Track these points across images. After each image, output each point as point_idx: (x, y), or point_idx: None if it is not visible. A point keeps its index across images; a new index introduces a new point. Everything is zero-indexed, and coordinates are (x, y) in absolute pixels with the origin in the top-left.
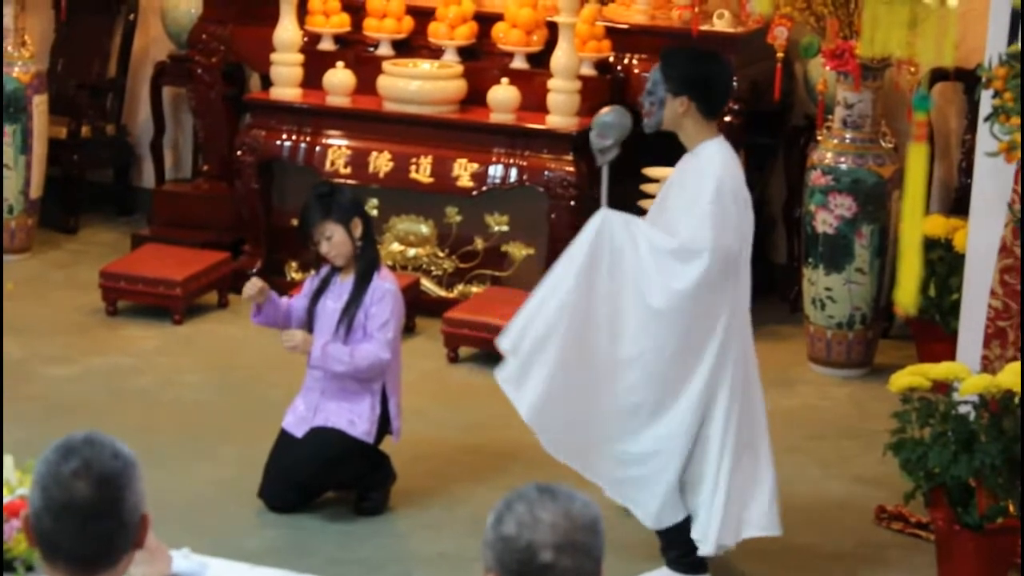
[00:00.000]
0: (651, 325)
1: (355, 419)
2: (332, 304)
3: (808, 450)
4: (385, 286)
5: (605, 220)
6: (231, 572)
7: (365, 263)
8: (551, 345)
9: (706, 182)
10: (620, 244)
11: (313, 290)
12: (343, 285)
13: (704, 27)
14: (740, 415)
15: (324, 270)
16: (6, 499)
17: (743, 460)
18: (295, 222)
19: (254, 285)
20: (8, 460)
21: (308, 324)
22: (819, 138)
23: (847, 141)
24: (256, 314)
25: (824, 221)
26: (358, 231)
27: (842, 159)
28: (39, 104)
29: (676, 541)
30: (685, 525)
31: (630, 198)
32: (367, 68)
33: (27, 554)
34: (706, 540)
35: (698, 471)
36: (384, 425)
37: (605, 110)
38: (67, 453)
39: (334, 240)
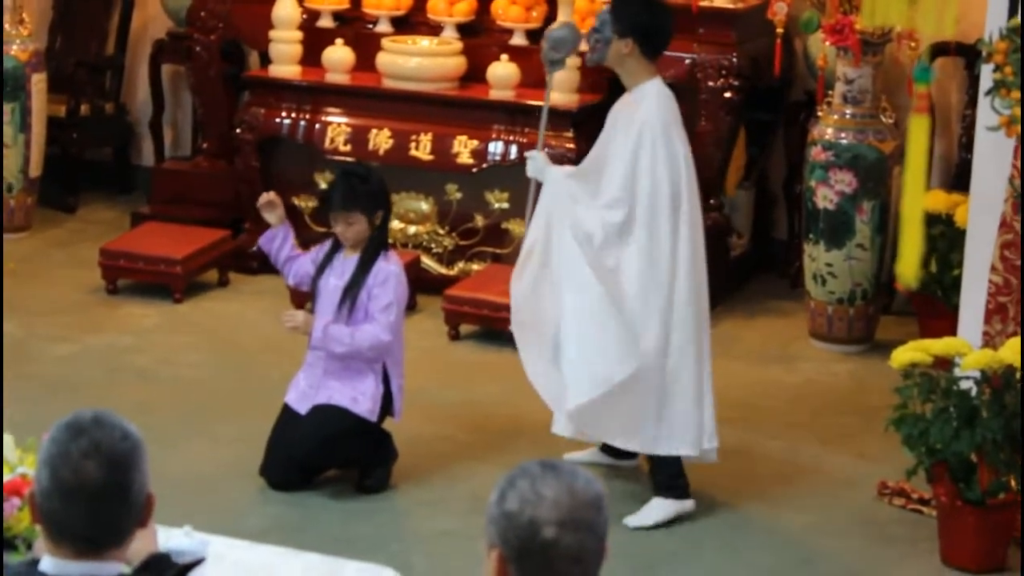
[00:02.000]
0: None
1: (358, 397)
2: (335, 281)
3: (810, 426)
4: (389, 268)
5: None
6: (232, 549)
7: (374, 245)
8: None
9: (632, 128)
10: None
11: (318, 264)
12: (347, 262)
13: (704, 3)
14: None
15: (327, 245)
16: (6, 477)
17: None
18: (295, 200)
19: (267, 196)
20: (8, 439)
21: (311, 298)
22: (819, 114)
23: (847, 116)
24: (264, 235)
25: (825, 197)
26: (379, 220)
27: (842, 135)
28: (38, 82)
29: (665, 462)
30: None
31: None
32: (366, 45)
33: (28, 532)
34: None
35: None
36: (387, 404)
37: (557, 24)
38: (76, 433)
39: (355, 228)
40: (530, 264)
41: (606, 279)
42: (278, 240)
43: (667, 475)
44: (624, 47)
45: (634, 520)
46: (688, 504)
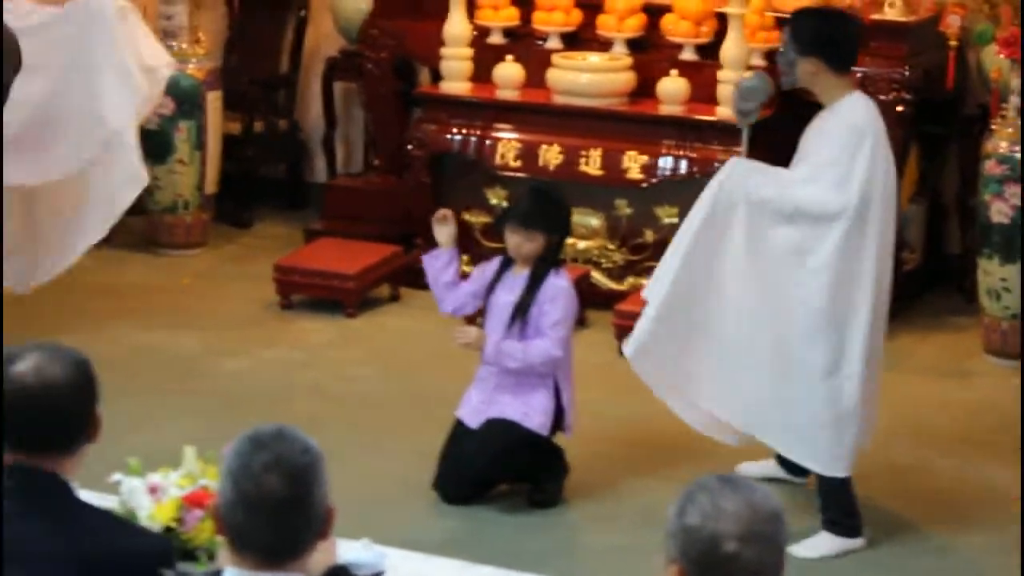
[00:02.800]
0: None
1: (529, 411)
2: (505, 297)
3: (983, 443)
4: (560, 283)
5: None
6: (408, 562)
7: (546, 262)
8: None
9: (842, 131)
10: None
11: (487, 281)
12: (516, 278)
13: (875, 15)
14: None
15: (496, 262)
16: (188, 489)
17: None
18: (466, 216)
19: (443, 212)
20: (190, 451)
21: (482, 314)
22: (993, 127)
23: None
24: (428, 254)
25: (999, 211)
26: (555, 242)
27: (1017, 148)
28: (213, 100)
29: (835, 500)
30: (847, 482)
31: None
32: (536, 61)
33: (210, 543)
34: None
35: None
36: (558, 418)
37: (748, 74)
38: (258, 446)
39: (532, 245)
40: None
41: (791, 274)
42: (441, 261)
43: (838, 511)
44: (810, 66)
45: (799, 551)
46: (858, 542)
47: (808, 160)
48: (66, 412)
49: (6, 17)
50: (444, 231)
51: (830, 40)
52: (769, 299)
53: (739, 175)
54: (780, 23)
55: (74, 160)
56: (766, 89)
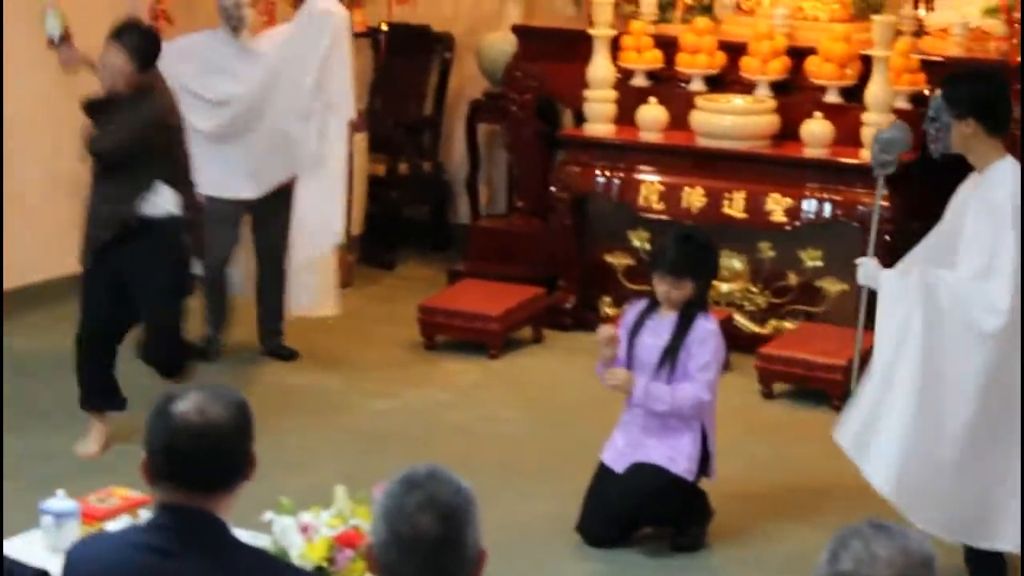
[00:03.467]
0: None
1: (675, 455)
2: (650, 340)
3: None
4: (708, 326)
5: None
6: None
7: (694, 306)
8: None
9: (994, 209)
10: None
11: (631, 323)
12: (663, 322)
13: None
14: None
15: (641, 304)
16: (339, 529)
17: None
18: (608, 257)
19: (607, 331)
20: (341, 490)
21: (626, 358)
22: None
23: None
24: (601, 367)
25: None
26: (701, 288)
27: None
28: (359, 142)
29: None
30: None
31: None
32: (680, 103)
33: None
34: None
35: None
36: (703, 462)
37: (886, 125)
38: (411, 487)
39: (681, 292)
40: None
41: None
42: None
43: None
44: (966, 128)
45: None
46: None
47: (974, 246)
48: (228, 452)
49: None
50: (609, 349)
51: (987, 102)
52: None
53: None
54: (925, 66)
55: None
56: (905, 140)
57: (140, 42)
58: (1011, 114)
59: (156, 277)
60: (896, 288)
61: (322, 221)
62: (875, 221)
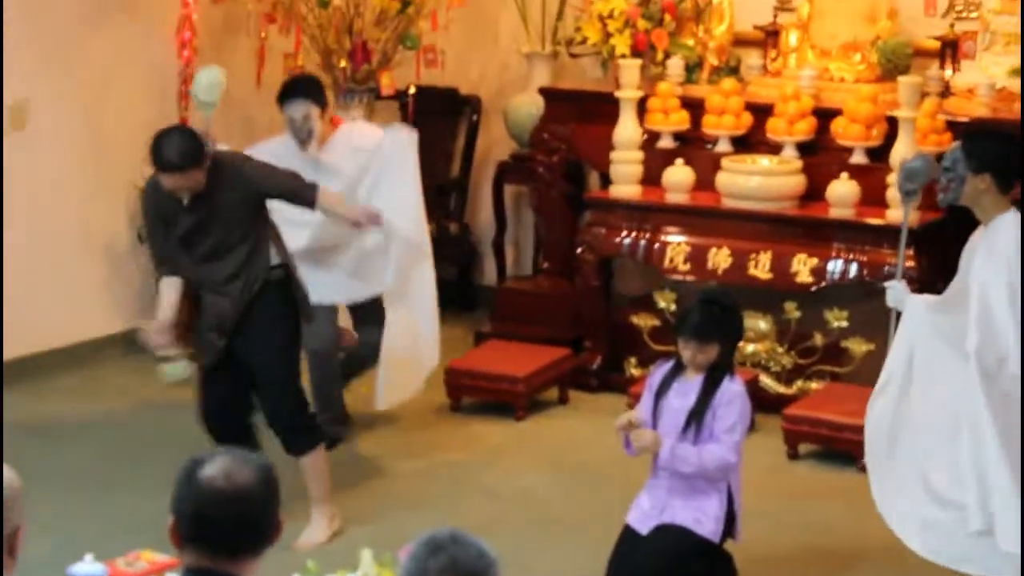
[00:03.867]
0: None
1: (701, 517)
2: (676, 402)
3: None
4: (734, 388)
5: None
6: None
7: (720, 369)
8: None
9: (997, 261)
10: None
11: (657, 385)
12: (689, 384)
13: None
14: None
15: (667, 365)
16: None
17: None
18: (634, 319)
19: (626, 417)
20: (367, 553)
21: (651, 420)
22: None
23: None
24: (627, 445)
25: None
26: (727, 349)
27: None
28: None
29: None
30: None
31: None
32: (706, 164)
33: None
34: None
35: None
36: (728, 524)
37: (912, 155)
38: (434, 550)
39: (707, 355)
40: (885, 395)
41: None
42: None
43: None
44: (981, 183)
45: None
46: None
47: (988, 292)
48: (254, 517)
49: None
50: (630, 427)
51: (1005, 161)
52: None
53: (924, 330)
54: (951, 126)
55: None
56: (929, 171)
57: (200, 155)
58: (1020, 175)
59: (275, 335)
60: (917, 319)
61: (412, 352)
62: (902, 245)
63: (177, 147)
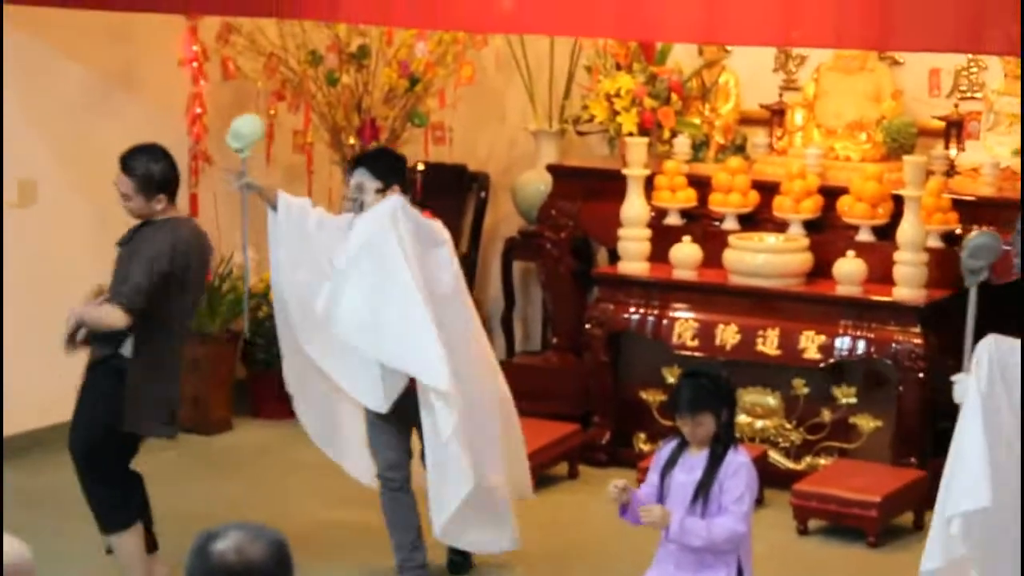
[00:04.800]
0: None
1: None
2: (683, 477)
3: None
4: (739, 459)
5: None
6: None
7: (723, 441)
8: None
9: None
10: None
11: (663, 462)
12: (695, 459)
13: None
14: None
15: (673, 441)
16: None
17: None
18: (643, 394)
19: (616, 486)
20: None
21: (658, 495)
22: None
23: None
24: (623, 512)
25: None
26: (725, 416)
27: None
28: None
29: None
30: None
31: None
32: (713, 241)
33: None
34: None
35: None
36: None
37: (975, 232)
38: None
39: (703, 428)
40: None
41: None
42: (635, 506)
43: None
44: None
45: None
46: None
47: None
48: None
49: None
50: (624, 495)
51: None
52: None
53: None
54: (956, 205)
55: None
56: (995, 247)
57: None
58: None
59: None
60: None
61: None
62: (969, 331)
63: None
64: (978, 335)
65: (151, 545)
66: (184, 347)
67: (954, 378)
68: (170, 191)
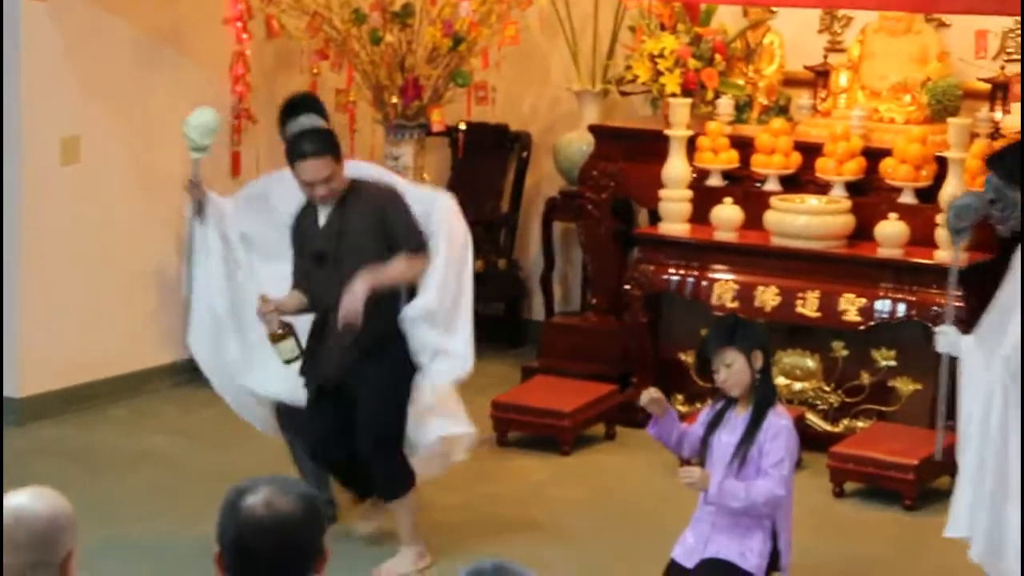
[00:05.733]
0: None
1: (746, 552)
2: (727, 438)
3: None
4: (780, 422)
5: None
6: None
7: (761, 397)
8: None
9: None
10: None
11: (708, 421)
12: (739, 419)
13: None
14: None
15: (720, 403)
16: None
17: None
18: (681, 355)
19: (649, 394)
20: None
21: (701, 455)
22: None
23: None
24: (652, 425)
25: None
26: (758, 363)
27: None
28: None
29: None
30: None
31: None
32: (755, 203)
33: None
34: None
35: None
36: (773, 559)
37: (961, 193)
38: None
39: (733, 368)
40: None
41: None
42: (667, 424)
43: None
44: None
45: None
46: None
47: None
48: (296, 546)
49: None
50: (655, 406)
51: None
52: None
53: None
54: None
55: None
56: (979, 207)
57: (335, 147)
58: None
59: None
60: (977, 358)
61: None
62: (952, 287)
63: (311, 138)
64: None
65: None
66: None
67: (937, 329)
68: None
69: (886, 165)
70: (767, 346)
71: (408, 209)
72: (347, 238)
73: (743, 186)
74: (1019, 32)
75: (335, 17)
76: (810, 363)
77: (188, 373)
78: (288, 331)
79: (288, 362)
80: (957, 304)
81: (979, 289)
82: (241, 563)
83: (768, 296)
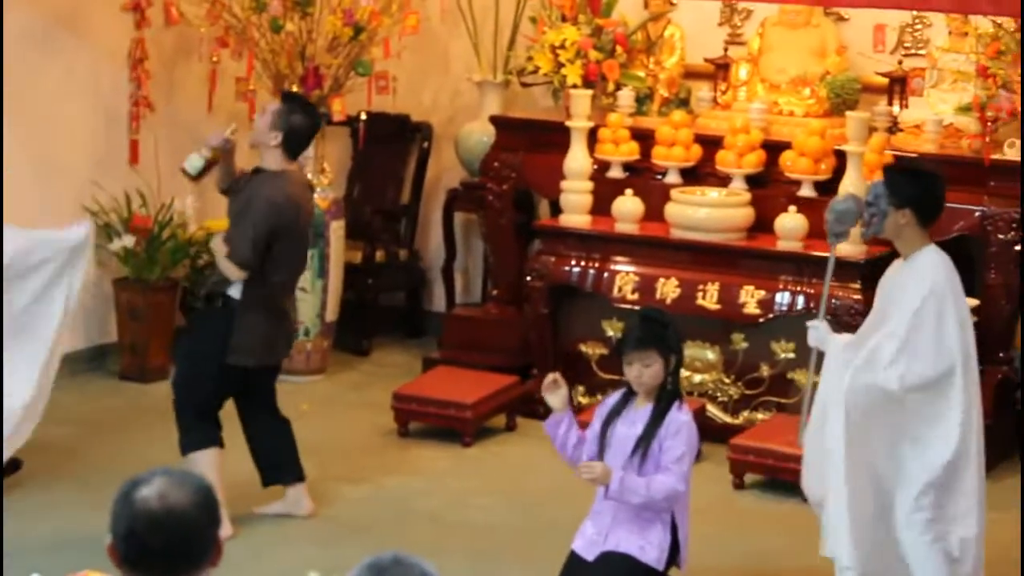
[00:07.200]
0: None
1: (645, 545)
2: (624, 430)
3: None
4: (681, 418)
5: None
6: None
7: (667, 395)
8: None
9: (918, 292)
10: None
11: (606, 413)
12: (639, 412)
13: (995, 155)
14: None
15: (617, 394)
16: None
17: None
18: (582, 347)
19: (552, 377)
20: None
21: (600, 446)
22: None
23: None
24: (551, 423)
25: None
26: (671, 367)
27: None
28: (336, 229)
29: None
30: None
31: None
32: (655, 195)
33: None
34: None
35: None
36: (673, 552)
37: (840, 197)
38: (377, 573)
39: (652, 369)
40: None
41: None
42: (563, 426)
43: None
44: (901, 218)
45: None
46: None
47: (895, 323)
48: (188, 539)
49: None
50: (557, 396)
51: (925, 197)
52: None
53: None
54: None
55: None
56: (858, 211)
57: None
58: (942, 209)
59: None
60: (840, 359)
61: None
62: (827, 286)
63: None
64: None
65: None
66: None
67: (809, 324)
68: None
69: (785, 158)
70: (681, 353)
71: (260, 222)
72: (234, 204)
73: (644, 178)
74: (916, 27)
75: (235, 4)
76: (710, 355)
77: (88, 362)
78: (214, 159)
79: (188, 174)
80: (832, 299)
81: (876, 282)
82: (133, 555)
83: (669, 288)
